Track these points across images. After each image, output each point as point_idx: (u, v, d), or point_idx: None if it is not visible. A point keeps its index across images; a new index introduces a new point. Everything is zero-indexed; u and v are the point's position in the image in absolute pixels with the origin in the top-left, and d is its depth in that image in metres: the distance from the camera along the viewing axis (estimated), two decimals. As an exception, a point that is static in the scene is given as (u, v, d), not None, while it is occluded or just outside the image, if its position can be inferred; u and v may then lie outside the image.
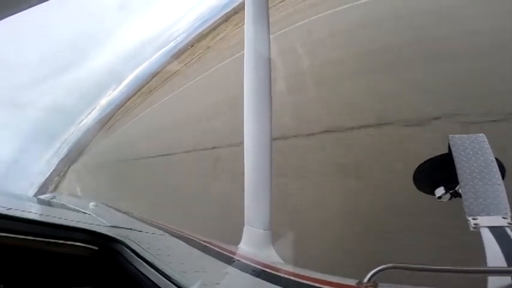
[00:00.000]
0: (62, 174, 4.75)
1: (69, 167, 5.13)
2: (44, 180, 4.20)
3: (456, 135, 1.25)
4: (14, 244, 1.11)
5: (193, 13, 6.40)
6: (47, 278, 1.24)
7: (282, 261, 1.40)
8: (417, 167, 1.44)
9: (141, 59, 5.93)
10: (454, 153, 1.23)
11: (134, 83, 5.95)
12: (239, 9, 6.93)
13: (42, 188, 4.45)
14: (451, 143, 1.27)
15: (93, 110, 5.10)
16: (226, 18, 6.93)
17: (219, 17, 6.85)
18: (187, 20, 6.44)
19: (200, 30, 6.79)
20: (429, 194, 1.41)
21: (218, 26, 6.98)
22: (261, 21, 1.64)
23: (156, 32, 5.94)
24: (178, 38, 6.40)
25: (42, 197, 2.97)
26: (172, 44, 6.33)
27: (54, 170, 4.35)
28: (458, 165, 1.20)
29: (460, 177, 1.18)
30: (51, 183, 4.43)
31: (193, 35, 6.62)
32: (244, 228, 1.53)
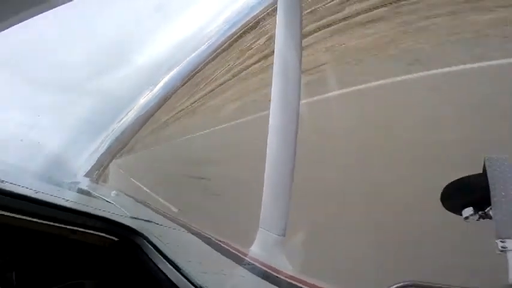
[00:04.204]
0: (103, 166, 5.01)
1: (110, 160, 5.39)
2: (87, 169, 4.45)
3: (493, 156, 1.19)
4: (33, 228, 1.10)
5: (223, 15, 6.51)
6: (61, 266, 1.23)
7: (293, 269, 1.38)
8: (447, 185, 1.37)
9: (176, 61, 6.11)
10: (489, 174, 1.17)
11: (169, 84, 6.15)
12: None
13: (87, 176, 4.75)
14: (487, 163, 1.20)
15: (131, 110, 5.38)
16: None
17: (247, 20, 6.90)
18: (217, 23, 6.56)
19: (230, 33, 6.89)
20: (456, 213, 1.35)
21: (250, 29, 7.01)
22: (292, 27, 1.63)
23: (189, 34, 6.09)
24: (210, 40, 6.52)
25: (70, 182, 3.10)
26: (204, 46, 6.47)
27: (95, 163, 4.63)
28: (492, 187, 1.14)
29: (493, 199, 1.13)
30: (94, 173, 4.69)
31: (223, 38, 6.73)
32: (258, 231, 1.51)
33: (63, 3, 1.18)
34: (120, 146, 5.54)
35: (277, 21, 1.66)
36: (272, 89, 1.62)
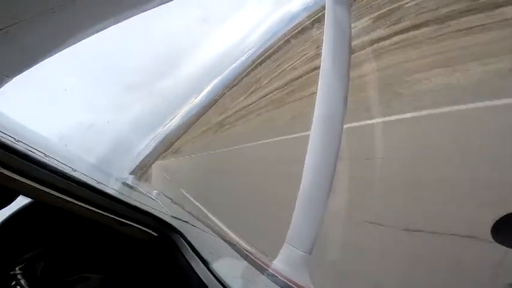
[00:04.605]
0: (147, 166, 5.38)
1: (154, 161, 5.75)
2: (133, 168, 4.81)
3: None
4: (86, 216, 1.15)
5: (265, 25, 6.67)
6: (97, 257, 1.30)
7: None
8: (501, 218, 1.30)
9: (219, 70, 6.41)
10: None
11: (211, 93, 6.45)
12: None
13: (132, 173, 5.16)
14: None
15: (177, 115, 5.74)
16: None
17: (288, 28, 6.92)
18: (259, 32, 6.74)
19: (271, 42, 7.02)
20: (508, 246, 1.28)
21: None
22: (340, 37, 1.59)
23: (233, 43, 6.35)
24: (251, 50, 6.73)
25: (118, 177, 3.34)
26: (246, 56, 6.68)
27: (141, 162, 4.98)
28: None
29: None
30: (138, 172, 5.05)
31: (262, 48, 6.89)
32: (284, 246, 1.49)
33: (144, 10, 1.33)
34: (164, 149, 5.89)
35: (324, 31, 1.64)
36: (316, 102, 1.60)
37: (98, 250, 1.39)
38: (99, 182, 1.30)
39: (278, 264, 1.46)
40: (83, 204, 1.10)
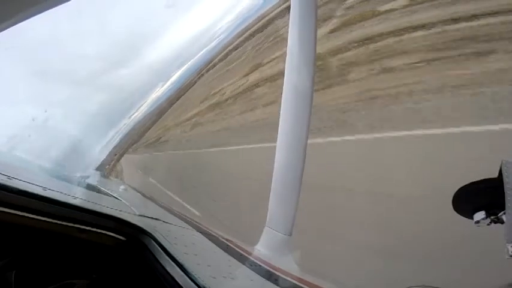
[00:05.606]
0: (113, 161, 5.10)
1: (121, 155, 5.47)
2: (98, 164, 4.52)
3: (511, 160, 1.14)
4: (39, 226, 1.07)
5: (234, 11, 6.48)
6: (65, 265, 1.20)
7: (299, 270, 1.36)
8: (460, 188, 1.34)
9: (187, 56, 6.14)
10: (505, 179, 1.13)
11: (180, 80, 6.19)
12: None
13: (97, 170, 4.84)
14: (503, 167, 1.16)
15: (142, 105, 5.46)
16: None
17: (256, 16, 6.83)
18: (228, 19, 6.55)
19: (240, 29, 6.86)
20: (467, 217, 1.33)
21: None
22: (307, 22, 1.58)
23: (200, 30, 6.11)
24: (221, 36, 6.52)
25: (80, 176, 3.13)
26: (215, 42, 6.47)
27: (106, 157, 4.71)
28: (508, 192, 1.11)
29: (507, 204, 1.09)
30: (104, 168, 4.76)
31: (233, 34, 6.72)
32: (264, 230, 1.50)
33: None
34: (131, 141, 5.63)
35: (290, 21, 1.62)
36: (284, 82, 1.59)
37: (68, 257, 1.28)
38: (45, 188, 1.16)
39: (260, 248, 1.45)
40: (26, 214, 0.97)
